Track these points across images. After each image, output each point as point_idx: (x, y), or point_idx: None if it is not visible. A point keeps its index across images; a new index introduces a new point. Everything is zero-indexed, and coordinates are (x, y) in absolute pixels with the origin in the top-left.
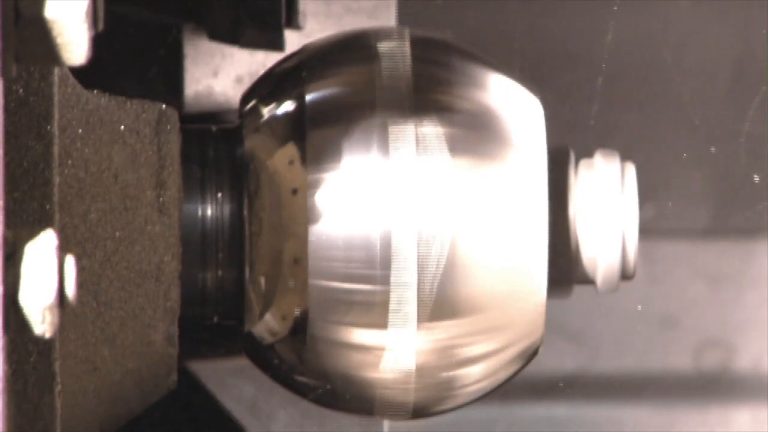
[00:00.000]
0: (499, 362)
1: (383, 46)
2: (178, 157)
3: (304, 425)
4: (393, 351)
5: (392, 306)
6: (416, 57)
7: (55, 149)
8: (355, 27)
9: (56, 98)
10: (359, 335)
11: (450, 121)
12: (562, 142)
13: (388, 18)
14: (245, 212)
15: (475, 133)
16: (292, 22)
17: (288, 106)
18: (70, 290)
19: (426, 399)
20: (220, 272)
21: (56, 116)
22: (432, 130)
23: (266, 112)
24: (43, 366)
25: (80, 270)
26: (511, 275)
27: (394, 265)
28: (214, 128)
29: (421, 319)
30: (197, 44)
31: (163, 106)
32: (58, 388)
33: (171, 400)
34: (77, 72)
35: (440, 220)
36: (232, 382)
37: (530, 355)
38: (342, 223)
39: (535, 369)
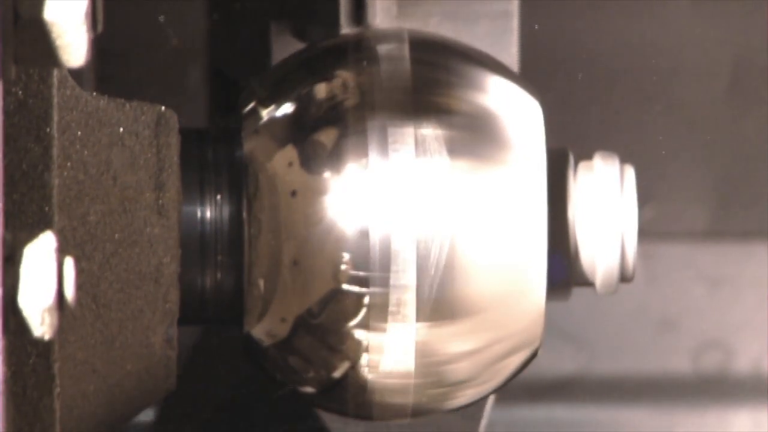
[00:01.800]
0: (498, 363)
1: (382, 48)
2: (177, 159)
3: (389, 424)
4: (392, 353)
5: (391, 308)
6: (415, 59)
7: (54, 151)
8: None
9: (55, 100)
10: (358, 337)
11: (449, 123)
12: (562, 144)
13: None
14: (244, 214)
15: (475, 135)
16: (362, 20)
17: (287, 108)
18: (69, 292)
19: (425, 400)
20: (219, 274)
21: (55, 118)
22: (431, 132)
23: (265, 114)
24: (42, 368)
25: (79, 272)
26: (510, 277)
27: (393, 268)
28: (213, 130)
29: (420, 321)
30: (288, 41)
31: (162, 108)
32: (57, 390)
33: (258, 390)
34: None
35: (439, 222)
36: None
37: (529, 356)
38: (341, 225)
39: (534, 370)
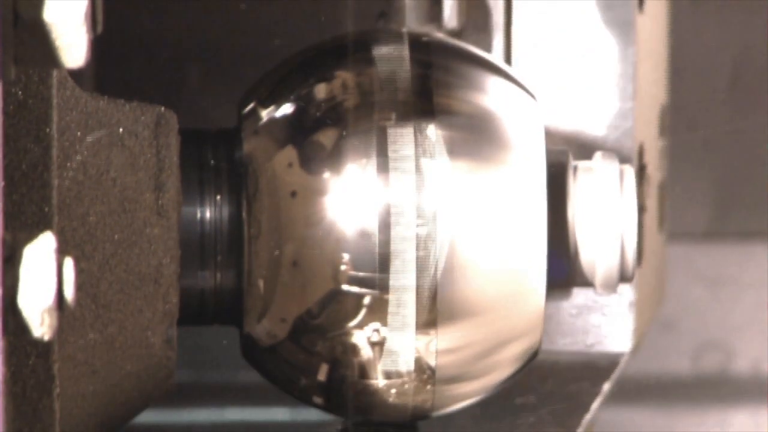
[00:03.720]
0: (498, 364)
1: (382, 49)
2: (176, 159)
3: (479, 423)
4: (392, 354)
5: (391, 309)
6: (415, 59)
7: (54, 152)
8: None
9: (55, 101)
10: (358, 338)
11: (449, 123)
12: (561, 145)
13: None
14: (244, 215)
15: (474, 136)
16: (438, 20)
17: (287, 108)
18: (69, 293)
19: (425, 401)
20: (218, 275)
21: (55, 119)
22: (431, 132)
23: (265, 114)
24: (42, 368)
25: (79, 272)
26: (510, 278)
27: (392, 269)
28: (212, 130)
29: (419, 322)
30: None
31: (162, 108)
32: (57, 390)
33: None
34: None
35: (439, 223)
36: None
37: (529, 357)
38: (341, 226)
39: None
